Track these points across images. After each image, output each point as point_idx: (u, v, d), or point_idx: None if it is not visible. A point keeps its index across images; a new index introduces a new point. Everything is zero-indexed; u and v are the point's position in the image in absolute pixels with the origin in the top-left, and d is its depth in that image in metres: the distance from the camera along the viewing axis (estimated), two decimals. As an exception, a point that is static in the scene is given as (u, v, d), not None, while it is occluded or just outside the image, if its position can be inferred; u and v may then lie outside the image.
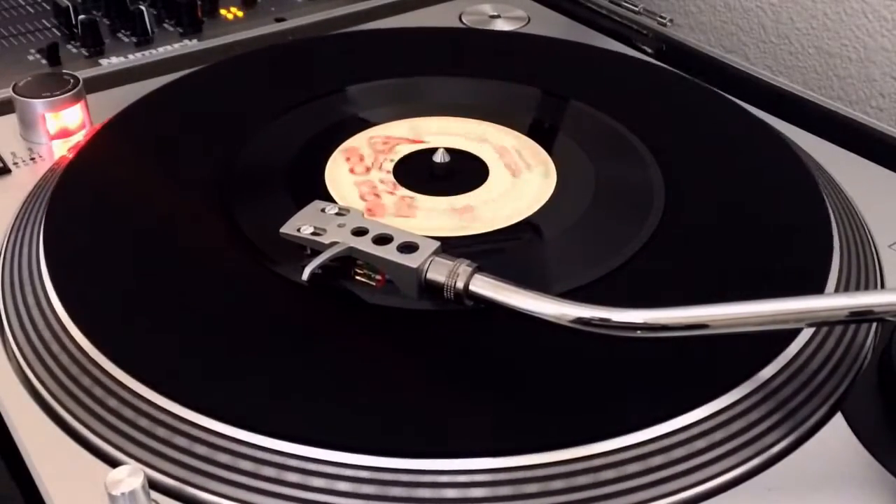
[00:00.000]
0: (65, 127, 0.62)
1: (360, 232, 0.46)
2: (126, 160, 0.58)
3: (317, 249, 0.46)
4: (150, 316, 0.45)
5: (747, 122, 0.62)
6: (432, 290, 0.44)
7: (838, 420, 0.42)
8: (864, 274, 0.49)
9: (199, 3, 0.78)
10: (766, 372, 0.42)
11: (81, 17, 0.75)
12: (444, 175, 0.56)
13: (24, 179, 0.58)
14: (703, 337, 0.39)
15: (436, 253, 0.44)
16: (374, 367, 0.43)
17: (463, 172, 0.56)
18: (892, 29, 0.72)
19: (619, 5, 0.80)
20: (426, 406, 0.41)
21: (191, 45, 0.76)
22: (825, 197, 0.53)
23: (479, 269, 0.43)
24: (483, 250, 0.50)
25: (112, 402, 0.41)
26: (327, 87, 0.65)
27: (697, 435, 0.40)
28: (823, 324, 0.43)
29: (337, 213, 0.47)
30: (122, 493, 0.35)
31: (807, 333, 0.44)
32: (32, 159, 0.60)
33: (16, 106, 0.62)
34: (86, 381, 0.42)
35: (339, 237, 0.45)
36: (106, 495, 0.35)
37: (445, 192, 0.54)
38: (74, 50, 0.74)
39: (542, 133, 0.61)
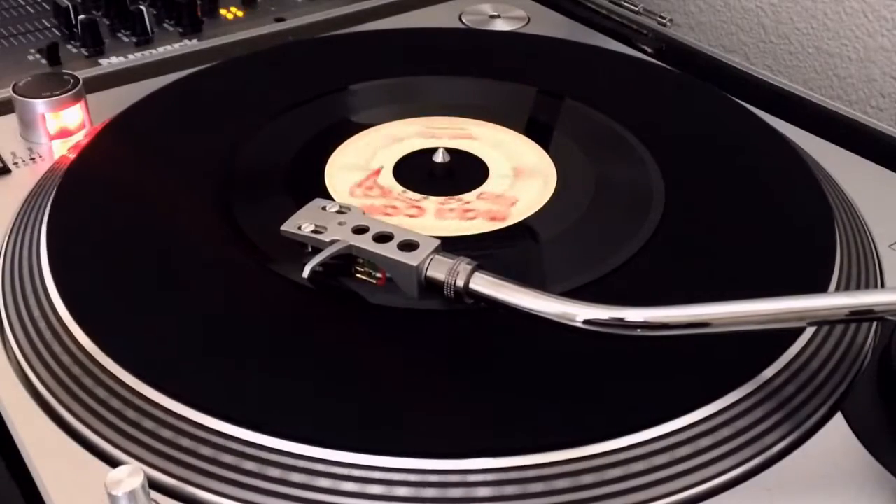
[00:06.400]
0: (65, 127, 0.62)
1: (360, 230, 0.46)
2: (127, 160, 0.58)
3: (317, 247, 0.46)
4: (150, 315, 0.45)
5: (747, 121, 0.62)
6: (432, 288, 0.44)
7: (838, 420, 0.42)
8: (864, 274, 0.49)
9: (199, 3, 0.78)
10: (767, 372, 0.42)
11: (81, 17, 0.75)
12: (444, 175, 0.56)
13: (24, 179, 0.58)
14: (704, 336, 0.39)
15: (436, 251, 0.44)
16: (376, 366, 0.43)
17: (463, 172, 0.56)
18: (892, 29, 0.72)
19: (619, 5, 0.80)
20: (430, 406, 0.41)
21: (191, 45, 0.76)
22: (825, 196, 0.53)
23: (480, 268, 0.43)
24: (483, 249, 0.49)
25: (114, 402, 0.41)
26: (327, 87, 0.65)
27: (699, 434, 0.39)
28: (824, 323, 0.43)
29: (337, 212, 0.47)
30: (122, 493, 0.35)
31: (807, 333, 0.44)
32: (32, 159, 0.60)
33: (16, 106, 0.61)
34: (87, 381, 0.42)
35: (339, 235, 0.45)
36: (106, 495, 0.35)
37: (445, 192, 0.54)
38: (74, 50, 0.74)
39: (541, 133, 0.61)
